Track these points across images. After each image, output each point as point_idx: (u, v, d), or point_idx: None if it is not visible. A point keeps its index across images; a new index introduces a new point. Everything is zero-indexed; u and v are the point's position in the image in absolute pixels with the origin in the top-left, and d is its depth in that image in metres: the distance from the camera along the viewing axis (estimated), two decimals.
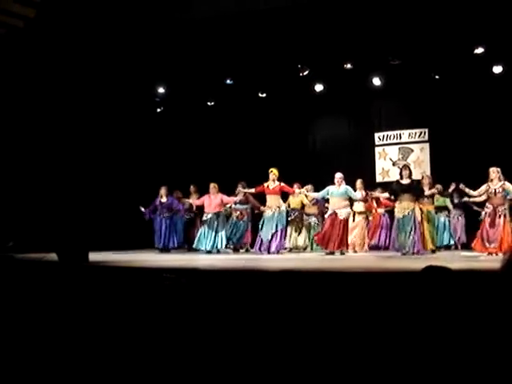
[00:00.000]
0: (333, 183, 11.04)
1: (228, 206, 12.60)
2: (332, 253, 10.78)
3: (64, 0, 10.16)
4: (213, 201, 12.16)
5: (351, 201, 11.46)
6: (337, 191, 10.97)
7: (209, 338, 3.36)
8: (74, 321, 3.79)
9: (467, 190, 10.27)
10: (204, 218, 12.21)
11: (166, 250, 12.68)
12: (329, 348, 3.08)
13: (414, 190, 10.37)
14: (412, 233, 10.07)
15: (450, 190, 11.45)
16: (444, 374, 2.44)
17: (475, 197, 10.22)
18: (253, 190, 11.90)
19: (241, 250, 12.49)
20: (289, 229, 12.56)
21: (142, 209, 12.91)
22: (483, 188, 9.85)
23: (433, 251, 10.74)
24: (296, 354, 3.06)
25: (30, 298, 4.32)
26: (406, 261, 8.59)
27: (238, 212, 12.44)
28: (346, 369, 2.86)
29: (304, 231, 12.79)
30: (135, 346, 3.36)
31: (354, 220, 11.81)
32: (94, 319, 3.82)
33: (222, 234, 12.09)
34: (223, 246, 12.11)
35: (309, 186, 12.73)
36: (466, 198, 10.98)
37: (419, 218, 10.30)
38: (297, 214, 12.73)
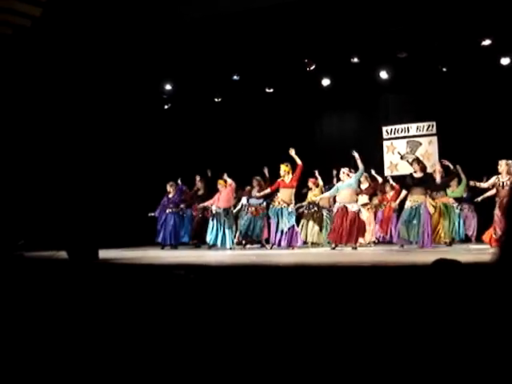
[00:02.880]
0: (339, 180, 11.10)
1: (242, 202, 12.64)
2: (335, 247, 10.80)
3: None
4: (222, 196, 12.14)
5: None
6: (343, 184, 10.96)
7: (218, 334, 3.37)
8: (85, 318, 3.80)
9: (478, 183, 10.21)
10: (213, 211, 12.16)
11: (171, 246, 12.65)
12: (338, 342, 3.08)
13: (426, 183, 10.33)
14: (420, 226, 10.03)
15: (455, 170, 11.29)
16: (453, 367, 2.44)
17: (486, 190, 10.16)
18: (268, 191, 11.84)
19: (254, 245, 12.47)
20: (308, 223, 12.53)
21: (152, 214, 12.89)
22: (492, 180, 9.80)
23: (449, 244, 10.68)
24: (305, 349, 3.06)
25: (40, 296, 4.34)
26: (415, 254, 8.56)
27: (253, 208, 12.39)
28: (355, 363, 2.86)
29: (322, 225, 12.75)
30: (146, 342, 3.37)
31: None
32: (105, 316, 3.84)
33: (229, 231, 12.06)
34: (228, 244, 12.04)
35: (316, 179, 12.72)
36: (478, 199, 10.88)
37: (431, 211, 10.24)
38: (315, 208, 12.64)
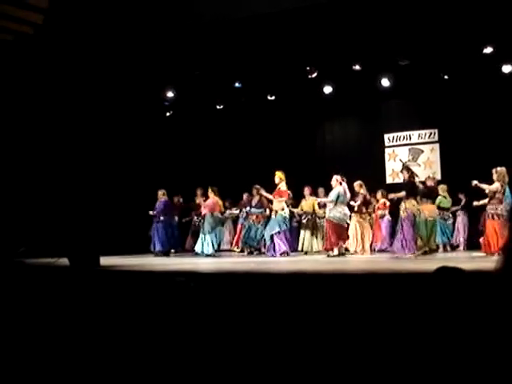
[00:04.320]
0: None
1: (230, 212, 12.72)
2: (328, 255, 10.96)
3: (72, 5, 10.19)
4: (208, 202, 12.21)
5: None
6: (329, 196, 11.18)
7: (217, 340, 3.36)
8: (87, 324, 3.79)
9: (483, 185, 10.25)
10: (195, 220, 12.32)
11: (162, 253, 12.65)
12: (340, 350, 3.06)
13: (407, 189, 10.42)
14: (398, 233, 10.16)
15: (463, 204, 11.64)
16: (456, 374, 2.43)
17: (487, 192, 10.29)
18: (271, 197, 11.85)
19: (254, 253, 12.46)
20: (302, 232, 12.59)
21: (151, 212, 12.91)
22: (494, 186, 9.90)
23: (429, 251, 10.66)
24: (304, 356, 3.05)
25: (41, 303, 4.32)
26: (417, 262, 8.55)
27: (254, 216, 12.41)
28: (356, 370, 2.85)
29: (318, 234, 12.77)
30: (146, 348, 3.36)
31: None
32: (106, 322, 3.83)
33: (208, 236, 12.04)
34: (207, 250, 12.02)
35: (321, 189, 12.72)
36: (475, 202, 10.99)
37: (402, 217, 10.28)
38: (309, 217, 12.70)
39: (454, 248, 12.49)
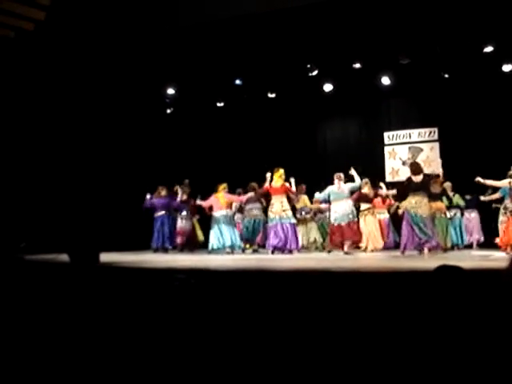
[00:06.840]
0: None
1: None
2: (329, 251, 10.98)
3: (73, 2, 10.20)
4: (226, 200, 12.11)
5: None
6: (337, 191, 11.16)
7: (218, 338, 3.37)
8: (86, 322, 3.80)
9: (487, 181, 10.21)
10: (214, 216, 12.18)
11: (161, 249, 12.64)
12: (340, 349, 3.07)
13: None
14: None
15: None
16: (454, 373, 2.44)
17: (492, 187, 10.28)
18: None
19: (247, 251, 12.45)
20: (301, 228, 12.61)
21: (148, 196, 12.85)
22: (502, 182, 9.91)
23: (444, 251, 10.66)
24: (306, 355, 3.06)
25: (41, 299, 4.33)
26: (418, 260, 8.55)
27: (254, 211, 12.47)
28: (357, 369, 2.86)
29: (314, 229, 12.78)
30: (146, 346, 3.37)
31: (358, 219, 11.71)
32: (105, 320, 3.84)
33: (229, 234, 11.98)
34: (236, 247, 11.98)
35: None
36: (482, 197, 10.97)
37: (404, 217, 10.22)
38: (303, 212, 12.70)
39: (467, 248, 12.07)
